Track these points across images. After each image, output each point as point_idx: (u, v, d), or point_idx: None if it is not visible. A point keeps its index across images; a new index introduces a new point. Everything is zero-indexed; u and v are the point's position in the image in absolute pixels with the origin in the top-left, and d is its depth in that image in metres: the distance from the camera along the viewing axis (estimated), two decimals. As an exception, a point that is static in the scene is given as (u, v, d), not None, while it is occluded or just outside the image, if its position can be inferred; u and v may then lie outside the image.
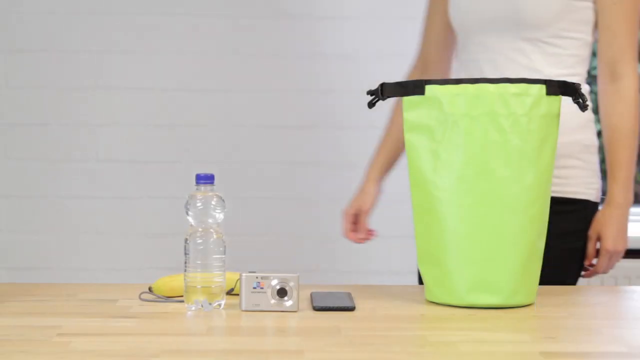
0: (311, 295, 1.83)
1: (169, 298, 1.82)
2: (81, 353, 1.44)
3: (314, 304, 1.76)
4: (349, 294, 1.83)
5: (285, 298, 1.73)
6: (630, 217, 3.75)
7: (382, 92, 1.83)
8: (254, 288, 1.73)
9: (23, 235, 3.47)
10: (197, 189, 1.75)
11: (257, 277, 1.73)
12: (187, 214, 1.74)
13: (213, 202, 1.74)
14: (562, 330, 1.63)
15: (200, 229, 1.74)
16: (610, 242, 2.09)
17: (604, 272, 2.14)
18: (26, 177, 3.46)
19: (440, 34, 2.27)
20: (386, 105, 2.35)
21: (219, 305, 1.74)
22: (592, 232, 2.12)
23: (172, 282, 1.83)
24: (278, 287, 1.73)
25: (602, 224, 2.11)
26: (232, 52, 3.45)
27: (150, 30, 3.44)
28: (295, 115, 3.46)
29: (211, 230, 1.74)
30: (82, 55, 3.44)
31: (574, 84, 1.80)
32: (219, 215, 1.75)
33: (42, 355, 1.43)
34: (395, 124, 2.31)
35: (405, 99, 1.80)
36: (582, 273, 2.17)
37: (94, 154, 3.46)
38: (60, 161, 3.45)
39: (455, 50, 2.25)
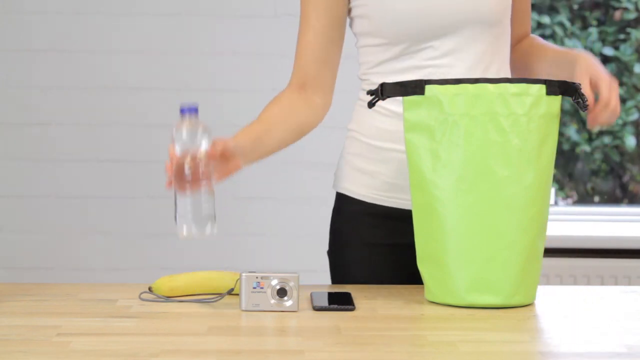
0: (311, 295, 1.83)
1: (169, 298, 1.82)
2: (81, 353, 1.44)
3: (314, 304, 1.76)
4: (349, 294, 1.83)
5: (285, 298, 1.73)
6: (630, 217, 3.80)
7: (382, 92, 1.82)
8: (254, 288, 1.73)
9: (23, 235, 3.47)
10: (182, 120, 1.77)
11: (257, 277, 1.73)
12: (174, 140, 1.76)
13: (199, 132, 1.76)
14: (562, 330, 1.63)
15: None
16: (604, 74, 1.89)
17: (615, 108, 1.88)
18: (26, 177, 3.46)
19: (321, 46, 1.99)
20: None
21: (210, 228, 1.73)
22: (581, 76, 1.90)
23: (172, 282, 1.83)
24: (278, 287, 1.72)
25: (589, 64, 1.91)
26: (232, 52, 3.45)
27: (150, 30, 3.44)
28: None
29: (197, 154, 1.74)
30: (82, 56, 3.44)
31: (574, 83, 1.80)
32: (205, 144, 1.75)
33: (42, 355, 1.43)
34: (271, 116, 1.99)
35: (405, 98, 1.80)
36: (589, 122, 1.89)
37: (94, 154, 3.46)
38: (60, 161, 3.45)
39: (362, 61, 2.02)
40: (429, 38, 1.94)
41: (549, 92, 1.78)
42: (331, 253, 2.08)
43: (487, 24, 1.95)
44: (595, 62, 1.92)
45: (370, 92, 1.84)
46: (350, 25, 2.02)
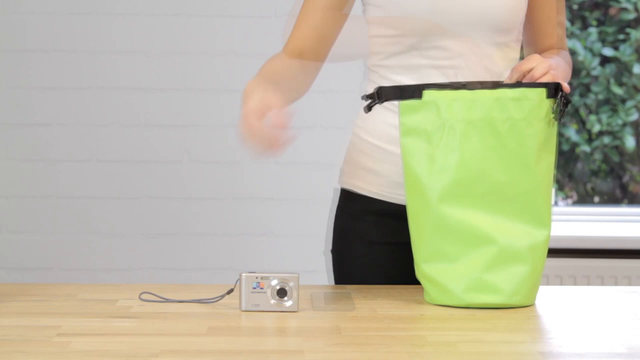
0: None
1: (169, 298, 1.82)
2: (81, 353, 1.44)
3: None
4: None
5: (285, 298, 1.73)
6: (630, 218, 3.80)
7: (379, 96, 1.82)
8: (254, 288, 1.73)
9: (23, 235, 3.47)
10: None
11: (257, 277, 1.73)
12: None
13: None
14: (562, 330, 1.63)
15: None
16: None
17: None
18: (26, 177, 3.46)
19: (324, 29, 2.03)
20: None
21: None
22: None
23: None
24: (278, 287, 1.73)
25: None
26: (232, 52, 3.45)
27: (150, 30, 3.44)
28: (295, 115, 3.45)
29: None
30: (82, 55, 3.44)
31: (558, 84, 1.79)
32: None
33: (42, 355, 1.43)
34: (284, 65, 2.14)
35: (402, 103, 1.79)
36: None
37: (94, 154, 3.46)
38: (60, 161, 3.45)
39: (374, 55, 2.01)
40: (438, 37, 1.93)
41: (549, 96, 1.78)
42: (334, 251, 2.07)
43: (496, 29, 1.94)
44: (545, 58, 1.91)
45: (367, 97, 1.83)
46: (363, 12, 2.01)
